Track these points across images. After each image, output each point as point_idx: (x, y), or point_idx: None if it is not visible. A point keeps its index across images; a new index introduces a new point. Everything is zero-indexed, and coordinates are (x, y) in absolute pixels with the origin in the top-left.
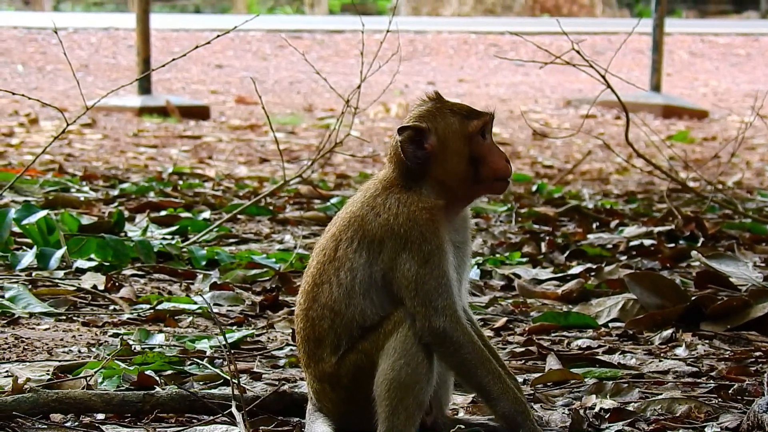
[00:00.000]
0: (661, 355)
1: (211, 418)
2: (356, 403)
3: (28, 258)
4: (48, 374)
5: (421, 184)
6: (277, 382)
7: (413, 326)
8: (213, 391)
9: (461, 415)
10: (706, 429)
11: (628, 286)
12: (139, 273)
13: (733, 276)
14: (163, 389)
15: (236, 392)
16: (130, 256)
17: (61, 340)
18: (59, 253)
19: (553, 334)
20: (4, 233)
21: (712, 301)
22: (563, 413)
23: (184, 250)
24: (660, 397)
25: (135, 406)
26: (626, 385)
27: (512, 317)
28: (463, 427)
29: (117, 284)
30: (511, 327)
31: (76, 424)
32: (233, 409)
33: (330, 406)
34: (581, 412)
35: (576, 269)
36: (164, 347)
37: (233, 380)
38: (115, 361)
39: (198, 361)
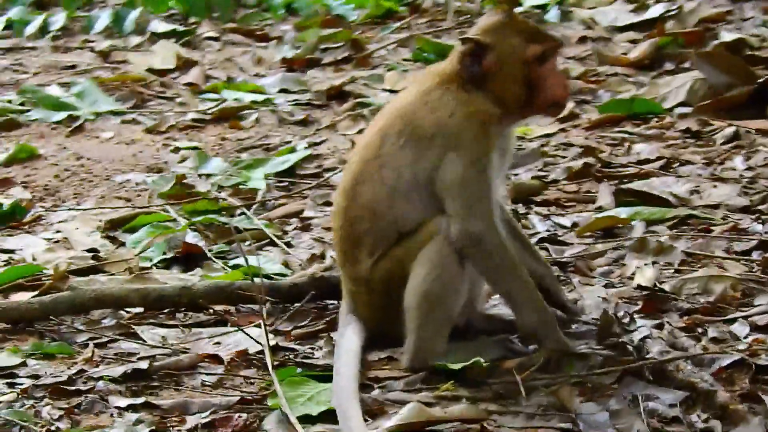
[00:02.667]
0: (720, 166)
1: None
2: (388, 309)
3: (104, 20)
4: (98, 230)
5: (479, 89)
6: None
7: (449, 231)
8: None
9: (496, 310)
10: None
11: (696, 66)
12: (213, 36)
13: None
14: (200, 278)
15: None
16: (206, 10)
17: (121, 161)
18: (135, 14)
19: (614, 131)
20: None
21: None
22: (597, 297)
23: None
24: (696, 274)
25: (171, 300)
26: (670, 244)
27: (580, 99)
28: (487, 337)
29: (187, 62)
30: (577, 114)
31: (113, 323)
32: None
33: (363, 310)
34: (610, 311)
35: (656, 9)
36: (218, 177)
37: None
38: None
39: (246, 212)
